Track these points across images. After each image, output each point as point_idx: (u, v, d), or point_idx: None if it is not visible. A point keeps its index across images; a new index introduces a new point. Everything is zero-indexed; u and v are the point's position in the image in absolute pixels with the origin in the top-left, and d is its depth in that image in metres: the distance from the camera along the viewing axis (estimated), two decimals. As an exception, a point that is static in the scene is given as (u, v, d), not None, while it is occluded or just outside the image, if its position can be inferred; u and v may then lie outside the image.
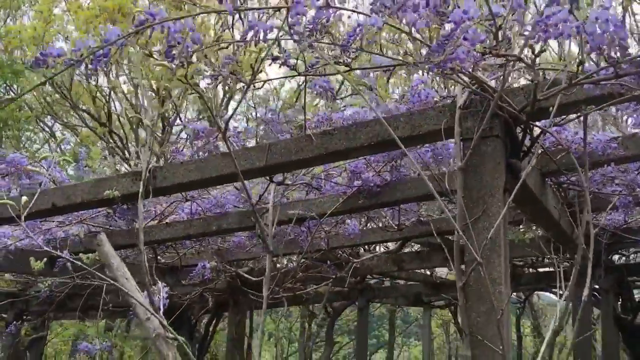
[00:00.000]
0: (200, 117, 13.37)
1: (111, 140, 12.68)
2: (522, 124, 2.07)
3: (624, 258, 7.25)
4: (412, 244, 5.34)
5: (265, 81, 2.64)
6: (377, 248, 5.70)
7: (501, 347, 1.93)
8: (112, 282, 2.38)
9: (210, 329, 9.01)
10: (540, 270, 6.92)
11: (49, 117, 15.12)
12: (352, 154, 2.42)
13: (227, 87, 13.04)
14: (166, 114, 12.78)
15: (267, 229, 2.95)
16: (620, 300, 7.21)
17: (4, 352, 6.80)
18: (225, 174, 2.59)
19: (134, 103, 13.99)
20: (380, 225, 4.15)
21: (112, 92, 12.70)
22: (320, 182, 3.13)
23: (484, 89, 2.05)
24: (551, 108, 1.99)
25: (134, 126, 13.75)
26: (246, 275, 5.20)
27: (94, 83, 13.51)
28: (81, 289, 6.38)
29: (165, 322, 2.30)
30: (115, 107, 13.80)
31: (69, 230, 3.87)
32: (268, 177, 2.83)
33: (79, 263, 2.57)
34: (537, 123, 2.15)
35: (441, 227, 4.07)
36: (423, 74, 2.42)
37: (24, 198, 2.45)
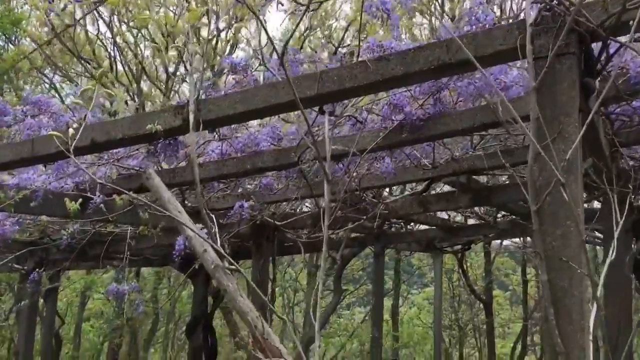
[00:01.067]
0: (206, 65, 13.10)
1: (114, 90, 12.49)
2: (601, 39, 1.97)
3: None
4: (437, 185, 5.29)
5: (321, 2, 2.50)
6: (399, 191, 5.65)
7: (579, 271, 1.88)
8: (166, 213, 2.31)
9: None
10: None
11: (48, 68, 14.89)
12: (410, 79, 2.33)
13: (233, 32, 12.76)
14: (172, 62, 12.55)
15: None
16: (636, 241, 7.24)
17: (27, 300, 6.82)
18: (273, 104, 2.50)
19: (137, 53, 13.75)
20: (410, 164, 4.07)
21: (115, 41, 12.44)
22: (363, 115, 3.03)
23: (559, 2, 1.94)
24: (631, 22, 1.89)
25: (139, 75, 13.55)
26: (271, 220, 5.17)
27: (94, 33, 13.26)
28: (101, 236, 6.41)
29: (224, 252, 2.24)
30: (117, 57, 13.55)
31: (98, 172, 3.79)
32: (317, 108, 2.73)
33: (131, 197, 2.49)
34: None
35: (475, 164, 4.01)
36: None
37: (71, 130, 2.36)
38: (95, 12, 12.97)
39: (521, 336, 16.43)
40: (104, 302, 18.25)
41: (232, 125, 3.56)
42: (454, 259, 18.55)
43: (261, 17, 2.55)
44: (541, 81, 1.96)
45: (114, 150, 3.80)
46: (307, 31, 14.15)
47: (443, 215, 7.39)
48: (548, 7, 2.02)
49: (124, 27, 12.34)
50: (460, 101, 3.18)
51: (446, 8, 11.34)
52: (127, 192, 2.27)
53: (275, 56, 2.86)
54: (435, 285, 10.20)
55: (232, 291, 2.19)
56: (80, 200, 3.38)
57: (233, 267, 2.23)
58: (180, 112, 2.67)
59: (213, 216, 2.36)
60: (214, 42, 14.42)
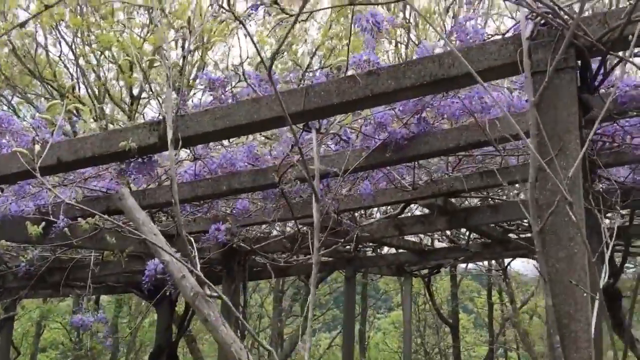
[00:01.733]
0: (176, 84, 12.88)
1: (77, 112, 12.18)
2: (600, 54, 1.92)
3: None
4: (413, 207, 5.22)
5: (312, 12, 2.40)
6: (375, 214, 5.57)
7: (585, 295, 1.79)
8: (142, 236, 2.15)
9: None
10: (529, 235, 6.92)
11: (8, 90, 14.47)
12: (400, 94, 2.23)
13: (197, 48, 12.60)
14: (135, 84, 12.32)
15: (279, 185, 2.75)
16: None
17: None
18: (257, 120, 2.37)
19: (100, 74, 13.48)
20: (388, 186, 3.98)
21: (77, 62, 12.16)
22: (347, 134, 2.93)
23: (557, 16, 1.88)
24: (630, 37, 1.84)
25: (101, 97, 13.26)
26: (243, 244, 5.00)
27: (56, 54, 12.96)
28: (60, 262, 6.12)
29: (204, 278, 2.09)
30: (80, 78, 13.26)
31: (62, 194, 3.59)
32: (300, 126, 2.62)
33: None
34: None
35: (454, 186, 3.94)
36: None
37: (37, 147, 2.19)
38: (57, 32, 12.70)
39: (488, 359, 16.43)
40: (61, 332, 17.61)
41: (209, 144, 3.41)
42: (420, 283, 18.57)
43: (239, 32, 2.43)
44: (540, 96, 1.89)
45: (81, 170, 3.61)
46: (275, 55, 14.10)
47: (413, 238, 7.33)
48: (544, 21, 1.97)
49: (87, 49, 12.08)
50: (442, 121, 3.12)
51: (412, 35, 11.44)
52: (99, 214, 2.10)
53: (254, 72, 2.74)
54: (404, 309, 10.10)
55: (214, 320, 2.04)
56: (43, 224, 3.18)
57: (215, 294, 2.08)
58: (155, 128, 2.52)
59: (192, 239, 2.20)
60: (180, 63, 14.25)
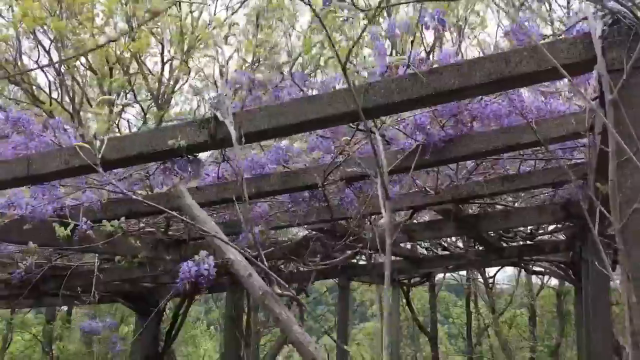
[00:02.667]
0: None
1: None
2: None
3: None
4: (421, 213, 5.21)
5: (384, 7, 2.37)
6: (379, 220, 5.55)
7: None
8: (209, 234, 2.09)
9: (181, 312, 8.64)
10: (528, 242, 6.99)
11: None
12: (465, 93, 2.23)
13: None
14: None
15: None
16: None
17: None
18: (312, 119, 2.34)
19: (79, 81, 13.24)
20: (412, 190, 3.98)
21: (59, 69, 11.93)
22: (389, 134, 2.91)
23: (631, 12, 1.91)
24: None
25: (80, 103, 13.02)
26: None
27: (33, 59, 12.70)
28: (54, 270, 5.95)
29: (275, 276, 2.04)
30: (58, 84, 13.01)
31: (82, 197, 3.49)
32: (354, 125, 2.59)
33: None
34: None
35: (474, 191, 3.96)
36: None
37: (97, 142, 2.12)
38: (34, 37, 12.43)
39: (466, 369, 16.53)
40: (28, 345, 17.10)
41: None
42: (396, 293, 18.58)
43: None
44: (618, 95, 1.91)
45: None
46: (256, 64, 14.08)
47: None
48: (613, 19, 1.99)
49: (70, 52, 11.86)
50: (476, 123, 3.13)
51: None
52: (169, 211, 2.03)
53: (299, 72, 2.71)
54: (391, 319, 10.12)
55: (286, 319, 1.98)
56: (72, 225, 3.08)
57: (289, 294, 2.03)
58: (204, 126, 2.46)
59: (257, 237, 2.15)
60: (160, 71, 14.10)
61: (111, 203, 3.49)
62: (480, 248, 7.00)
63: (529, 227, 6.43)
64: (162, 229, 4.14)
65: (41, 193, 3.41)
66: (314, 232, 4.99)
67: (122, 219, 3.13)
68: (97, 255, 4.83)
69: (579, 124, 2.86)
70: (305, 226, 4.66)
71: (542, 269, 9.46)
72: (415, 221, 5.18)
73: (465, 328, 18.69)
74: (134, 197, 1.98)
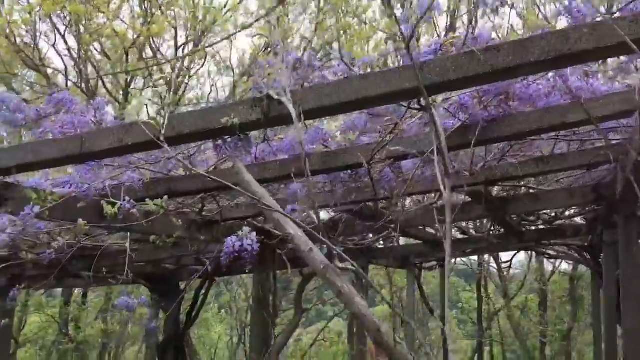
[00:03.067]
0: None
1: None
2: None
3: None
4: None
5: None
6: (407, 201, 5.57)
7: None
8: (271, 209, 2.13)
9: (202, 293, 8.72)
10: (547, 226, 7.00)
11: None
12: (521, 70, 2.24)
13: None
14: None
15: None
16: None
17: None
18: (365, 97, 2.36)
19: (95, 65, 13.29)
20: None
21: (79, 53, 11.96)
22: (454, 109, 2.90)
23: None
24: None
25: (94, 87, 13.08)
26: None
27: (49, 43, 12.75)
28: (83, 251, 6.01)
29: (336, 249, 2.07)
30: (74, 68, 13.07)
31: (124, 177, 3.53)
32: (405, 104, 2.61)
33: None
34: None
35: (509, 172, 3.97)
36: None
37: (159, 118, 2.15)
38: (50, 21, 12.44)
39: (477, 352, 16.62)
40: (41, 327, 17.26)
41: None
42: (404, 277, 18.67)
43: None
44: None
45: (140, 155, 3.56)
46: (268, 49, 14.04)
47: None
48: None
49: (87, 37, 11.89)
50: (518, 103, 3.14)
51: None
52: (233, 186, 2.07)
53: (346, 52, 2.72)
54: (408, 302, 10.19)
55: (348, 293, 2.02)
56: (119, 204, 3.12)
57: (351, 267, 2.07)
58: (257, 105, 2.48)
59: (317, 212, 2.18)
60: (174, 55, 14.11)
61: (152, 182, 3.53)
62: (501, 232, 7.02)
63: (553, 211, 6.45)
64: (197, 210, 4.17)
65: (85, 173, 3.46)
66: (342, 214, 5.03)
67: (165, 197, 3.18)
68: (128, 235, 4.88)
69: (623, 104, 2.88)
70: (334, 208, 4.70)
71: (559, 254, 9.47)
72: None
73: (475, 313, 18.82)
74: (201, 173, 2.00)
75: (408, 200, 5.52)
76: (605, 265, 6.74)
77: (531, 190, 4.87)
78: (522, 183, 4.84)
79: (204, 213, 4.31)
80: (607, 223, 6.33)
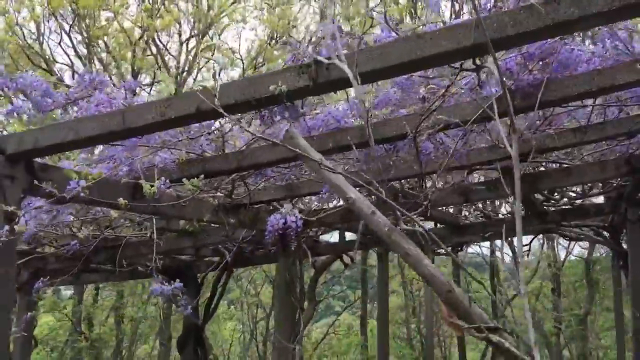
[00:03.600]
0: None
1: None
2: None
3: None
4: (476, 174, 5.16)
5: None
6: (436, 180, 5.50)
7: None
8: (334, 170, 2.06)
9: (220, 285, 8.66)
10: (568, 207, 6.90)
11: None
12: (584, 24, 2.16)
13: None
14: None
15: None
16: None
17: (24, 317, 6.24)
18: (420, 57, 2.28)
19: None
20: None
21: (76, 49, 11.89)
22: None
23: None
24: None
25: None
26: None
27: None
28: (106, 242, 5.94)
29: (402, 210, 2.00)
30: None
31: (156, 157, 3.47)
32: (455, 65, 2.54)
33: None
34: None
35: (545, 143, 3.90)
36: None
37: (212, 84, 2.08)
38: (55, 19, 12.38)
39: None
40: (52, 328, 17.21)
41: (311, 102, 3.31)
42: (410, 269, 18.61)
43: None
44: None
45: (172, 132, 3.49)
46: (271, 41, 13.96)
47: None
48: None
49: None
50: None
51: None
52: (294, 150, 2.00)
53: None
54: (425, 290, 10.17)
55: (415, 254, 1.95)
56: (157, 182, 3.06)
57: (419, 229, 2.00)
58: (304, 71, 2.41)
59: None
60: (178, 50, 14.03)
61: (186, 163, 3.46)
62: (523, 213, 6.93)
63: (576, 189, 6.37)
64: (226, 192, 4.10)
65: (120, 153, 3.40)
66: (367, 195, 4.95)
67: (201, 176, 3.11)
68: (154, 223, 4.79)
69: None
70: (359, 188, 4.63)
71: (578, 235, 9.38)
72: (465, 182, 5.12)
73: (486, 302, 18.76)
74: (278, 142, 1.93)
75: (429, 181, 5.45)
76: (630, 244, 6.65)
77: (562, 165, 4.79)
78: (554, 155, 4.76)
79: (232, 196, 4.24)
80: (632, 201, 6.26)
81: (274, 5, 13.21)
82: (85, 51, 13.75)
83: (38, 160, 3.01)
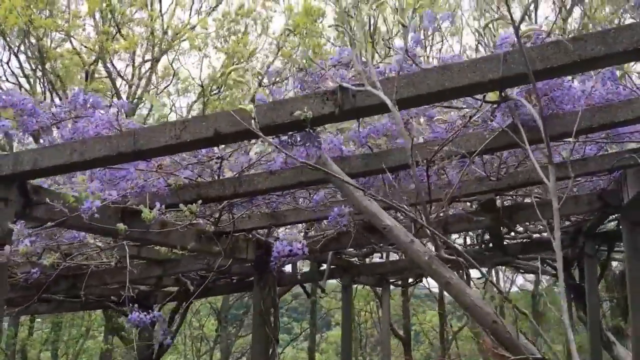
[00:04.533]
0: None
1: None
2: None
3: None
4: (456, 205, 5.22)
5: None
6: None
7: None
8: (376, 197, 2.02)
9: (177, 316, 8.40)
10: (527, 240, 7.08)
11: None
12: (609, 60, 2.24)
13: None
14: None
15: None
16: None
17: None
18: (448, 88, 2.30)
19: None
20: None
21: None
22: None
23: None
24: None
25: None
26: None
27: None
28: (68, 270, 5.66)
29: (443, 237, 1.98)
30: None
31: (148, 181, 3.34)
32: (481, 97, 2.57)
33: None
34: None
35: (532, 177, 3.99)
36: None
37: (250, 107, 2.03)
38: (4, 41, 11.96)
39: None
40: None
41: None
42: (360, 300, 18.65)
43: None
44: None
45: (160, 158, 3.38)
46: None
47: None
48: None
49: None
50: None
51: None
52: (327, 171, 1.95)
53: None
54: (382, 320, 10.12)
55: (457, 284, 1.93)
56: (158, 206, 2.94)
57: (461, 257, 1.98)
58: (329, 98, 2.39)
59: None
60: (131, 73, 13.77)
61: (180, 188, 3.35)
62: (490, 245, 7.06)
63: (539, 223, 6.54)
64: (214, 220, 3.99)
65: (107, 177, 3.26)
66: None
67: (199, 202, 3.01)
68: (127, 252, 4.59)
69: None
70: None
71: (533, 268, 9.61)
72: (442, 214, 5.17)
73: (430, 335, 18.95)
74: (315, 166, 1.87)
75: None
76: (588, 276, 6.85)
77: (537, 199, 4.92)
78: (528, 190, 4.88)
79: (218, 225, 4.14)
80: (591, 235, 6.49)
81: (230, 34, 13.22)
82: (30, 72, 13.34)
83: (30, 182, 2.84)
